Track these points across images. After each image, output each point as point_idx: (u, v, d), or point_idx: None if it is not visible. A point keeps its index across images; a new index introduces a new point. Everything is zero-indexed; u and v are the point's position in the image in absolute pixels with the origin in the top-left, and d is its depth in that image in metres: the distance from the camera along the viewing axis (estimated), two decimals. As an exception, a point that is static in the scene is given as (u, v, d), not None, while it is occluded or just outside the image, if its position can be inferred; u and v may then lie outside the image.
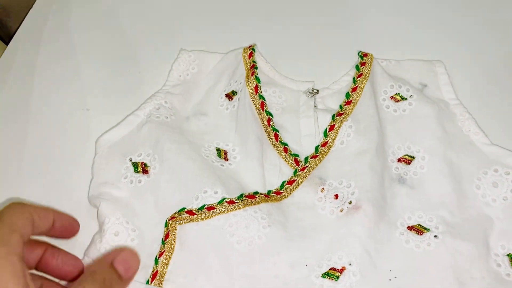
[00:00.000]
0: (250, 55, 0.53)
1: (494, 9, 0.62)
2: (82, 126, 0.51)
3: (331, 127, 0.48)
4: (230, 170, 0.46)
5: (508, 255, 0.41)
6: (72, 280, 0.37)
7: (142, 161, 0.45)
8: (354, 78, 0.51)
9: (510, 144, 0.47)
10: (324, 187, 0.44)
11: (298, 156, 0.47)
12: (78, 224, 0.40)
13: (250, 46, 0.54)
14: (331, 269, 0.39)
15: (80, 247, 0.41)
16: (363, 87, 0.50)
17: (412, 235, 0.41)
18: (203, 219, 0.40)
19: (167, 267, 0.39)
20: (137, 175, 0.45)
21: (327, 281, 0.39)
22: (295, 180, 0.45)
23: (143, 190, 0.44)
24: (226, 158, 0.47)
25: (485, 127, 0.48)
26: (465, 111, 0.49)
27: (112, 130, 0.48)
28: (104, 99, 0.54)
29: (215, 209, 0.41)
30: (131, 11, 0.64)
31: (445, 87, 0.52)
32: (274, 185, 0.45)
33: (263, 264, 0.39)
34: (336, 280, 0.38)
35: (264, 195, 0.43)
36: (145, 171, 0.45)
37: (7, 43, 0.61)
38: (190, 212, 0.41)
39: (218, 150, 0.47)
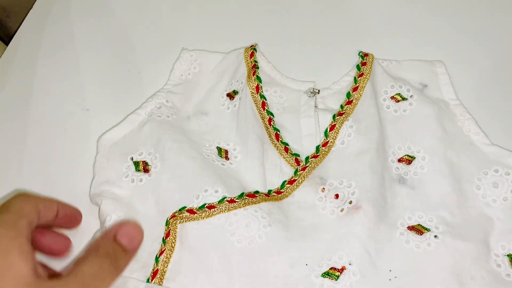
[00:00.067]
0: (252, 54, 0.53)
1: (494, 9, 0.62)
2: (82, 126, 0.51)
3: (332, 127, 0.48)
4: (231, 170, 0.46)
5: (508, 255, 0.41)
6: (62, 257, 0.39)
7: (143, 160, 0.45)
8: (355, 77, 0.51)
9: (510, 144, 0.47)
10: (324, 187, 0.44)
11: (298, 155, 0.47)
12: (80, 215, 0.42)
13: (252, 46, 0.54)
14: (331, 268, 0.39)
15: (82, 245, 0.41)
16: (364, 87, 0.50)
17: (412, 235, 0.41)
18: (203, 218, 0.40)
19: (167, 265, 0.39)
20: (139, 174, 0.45)
21: (327, 280, 0.39)
22: (295, 179, 0.45)
23: (144, 189, 0.44)
24: (227, 158, 0.47)
25: (485, 127, 0.48)
26: (465, 111, 0.49)
27: (113, 129, 0.48)
28: (104, 99, 0.54)
29: (216, 208, 0.41)
30: (131, 11, 0.64)
31: (445, 87, 0.52)
32: (275, 185, 0.45)
33: (263, 263, 0.39)
34: (336, 280, 0.38)
35: (265, 194, 0.43)
36: (146, 170, 0.45)
37: (7, 43, 0.60)
38: (190, 211, 0.41)
39: (219, 149, 0.47)
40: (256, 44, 0.55)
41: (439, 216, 0.43)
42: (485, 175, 0.45)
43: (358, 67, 0.52)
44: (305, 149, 0.48)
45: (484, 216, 0.43)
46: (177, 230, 0.41)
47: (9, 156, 0.49)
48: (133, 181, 0.44)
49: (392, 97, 0.50)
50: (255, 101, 0.49)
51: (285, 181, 0.45)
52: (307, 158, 0.46)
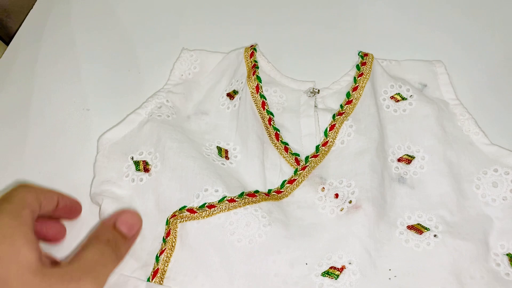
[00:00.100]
0: (252, 54, 0.53)
1: (494, 9, 0.62)
2: (82, 126, 0.51)
3: (332, 127, 0.48)
4: (231, 169, 0.46)
5: (507, 254, 0.41)
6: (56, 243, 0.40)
7: (143, 159, 0.45)
8: (355, 77, 0.51)
9: (510, 144, 0.47)
10: (324, 187, 0.44)
11: (298, 155, 0.47)
12: (80, 206, 0.43)
13: (252, 46, 0.54)
14: (331, 267, 0.39)
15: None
16: (364, 86, 0.50)
17: (412, 234, 0.41)
18: (204, 217, 0.40)
19: (168, 265, 0.39)
20: (139, 173, 0.45)
21: (327, 279, 0.39)
22: (295, 179, 0.45)
23: (144, 189, 0.44)
24: (227, 157, 0.47)
25: (485, 127, 0.48)
26: (465, 111, 0.49)
27: (114, 128, 0.48)
28: (104, 99, 0.54)
29: (216, 207, 0.41)
30: (131, 11, 0.64)
31: (445, 87, 0.52)
32: (275, 184, 0.45)
33: (263, 262, 0.39)
34: (336, 279, 0.38)
35: (265, 194, 0.43)
36: (146, 170, 0.45)
37: (7, 43, 0.61)
38: (191, 210, 0.41)
39: (219, 149, 0.47)
40: (256, 44, 0.55)
41: (439, 215, 0.43)
42: (485, 174, 0.45)
43: (357, 67, 0.52)
44: (305, 148, 0.48)
45: (484, 216, 0.43)
46: (178, 229, 0.41)
47: (9, 156, 0.49)
48: (133, 180, 0.44)
49: (392, 97, 0.50)
50: (255, 101, 0.49)
51: (285, 180, 0.45)
52: (307, 158, 0.46)
